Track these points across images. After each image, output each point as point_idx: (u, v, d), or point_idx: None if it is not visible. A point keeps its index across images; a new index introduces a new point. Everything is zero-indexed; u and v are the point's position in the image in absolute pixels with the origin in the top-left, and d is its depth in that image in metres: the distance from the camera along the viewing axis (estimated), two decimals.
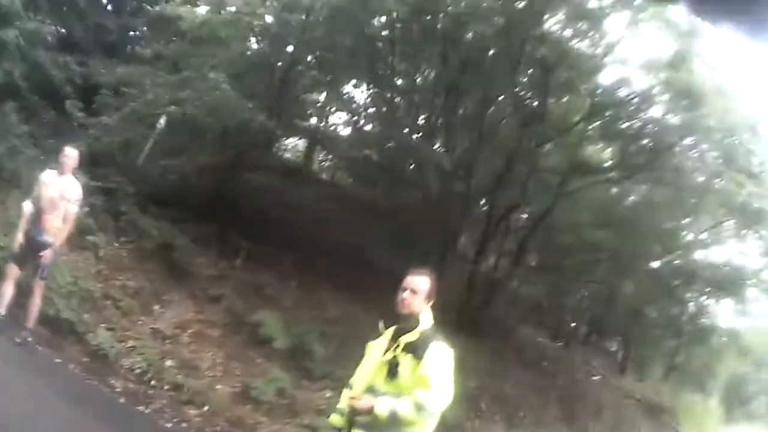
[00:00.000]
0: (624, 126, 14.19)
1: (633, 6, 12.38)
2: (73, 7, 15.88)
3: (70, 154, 7.27)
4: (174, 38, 13.37)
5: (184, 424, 7.12)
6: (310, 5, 12.14)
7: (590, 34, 13.10)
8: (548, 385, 13.01)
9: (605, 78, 13.81)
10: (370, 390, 4.07)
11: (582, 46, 13.28)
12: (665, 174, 13.75)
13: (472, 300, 12.22)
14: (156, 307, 9.63)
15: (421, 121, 14.29)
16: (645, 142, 14.03)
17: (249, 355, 9.25)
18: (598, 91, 13.63)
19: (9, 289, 7.15)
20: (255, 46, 14.41)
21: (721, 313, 18.36)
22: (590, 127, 13.45)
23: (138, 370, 7.97)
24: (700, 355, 19.90)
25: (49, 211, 7.08)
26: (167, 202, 11.67)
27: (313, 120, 16.49)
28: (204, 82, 11.56)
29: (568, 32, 13.11)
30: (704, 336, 18.71)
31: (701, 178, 13.78)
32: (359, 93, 16.28)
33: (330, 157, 18.05)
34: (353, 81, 15.39)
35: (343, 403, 4.22)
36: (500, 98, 13.03)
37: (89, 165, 10.71)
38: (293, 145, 18.30)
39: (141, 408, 7.22)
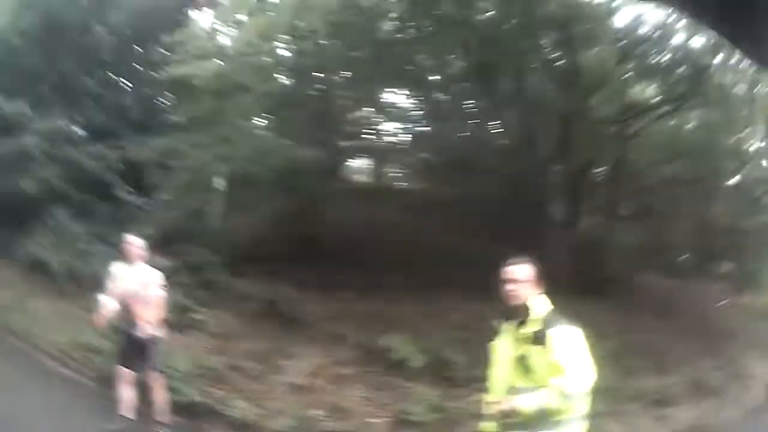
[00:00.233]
0: (655, 61, 14.12)
1: None
2: (86, 95, 16.14)
3: (135, 243, 7.27)
4: (197, 98, 13.13)
5: None
6: (316, 29, 11.87)
7: None
8: (681, 323, 12.41)
9: (622, 21, 13.74)
10: (511, 390, 4.08)
11: None
12: (710, 94, 13.59)
13: (581, 264, 11.46)
14: (284, 362, 9.58)
15: (468, 107, 13.43)
16: (681, 70, 13.89)
17: (390, 382, 9.11)
18: (620, 35, 13.53)
19: (127, 392, 7.20)
20: (284, 81, 14.07)
21: None
22: (626, 70, 13.21)
23: (287, 429, 7.95)
24: None
25: (135, 304, 7.07)
26: (255, 258, 11.57)
27: (368, 135, 15.71)
28: (241, 132, 11.77)
29: None
30: None
31: (743, 90, 13.54)
32: (401, 98, 15.74)
33: (396, 167, 17.29)
34: (390, 89, 14.99)
35: (490, 409, 4.20)
36: (533, 66, 12.14)
37: (164, 244, 10.91)
38: (359, 165, 17.65)
39: None
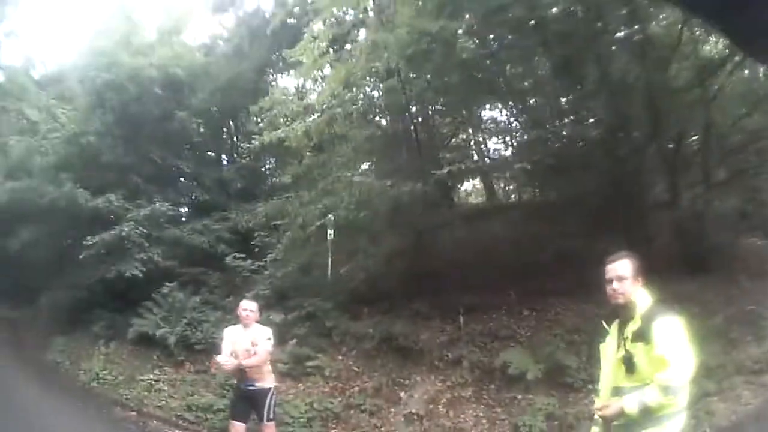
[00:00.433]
0: None
1: None
2: (183, 177, 16.77)
3: (249, 307, 7.31)
4: (294, 158, 14.08)
5: None
6: (396, 67, 11.79)
7: None
8: None
9: None
10: (616, 391, 4.08)
11: None
12: None
13: (684, 241, 11.01)
14: (402, 395, 9.58)
15: (560, 107, 13.29)
16: None
17: (508, 397, 8.91)
18: None
19: None
20: (379, 122, 14.56)
21: None
22: (693, 30, 12.06)
23: None
24: None
25: (246, 361, 7.05)
26: (369, 300, 11.74)
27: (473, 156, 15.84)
28: (341, 182, 11.89)
29: None
30: None
31: None
32: (497, 113, 15.63)
33: (503, 181, 17.30)
34: (485, 106, 14.70)
35: (596, 414, 4.19)
36: (611, 49, 11.96)
37: (280, 301, 11.73)
38: (469, 187, 17.79)
39: None
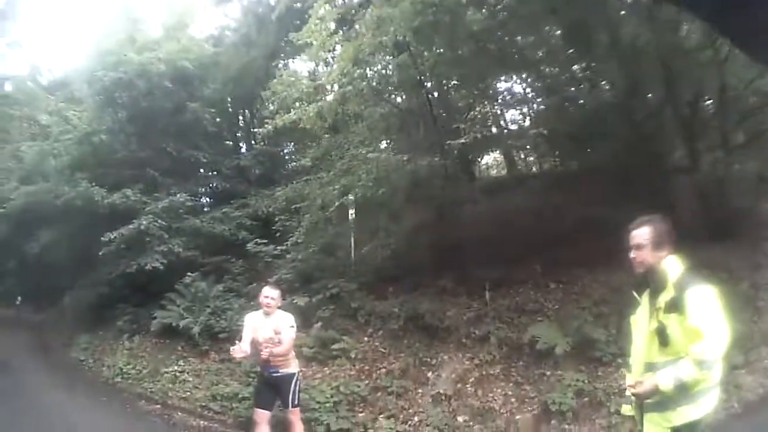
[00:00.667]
0: None
1: None
2: (201, 167, 16.57)
3: (271, 294, 7.06)
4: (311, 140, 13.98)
5: None
6: (404, 40, 11.51)
7: None
8: None
9: None
10: (649, 366, 3.82)
11: None
12: None
13: (707, 207, 10.71)
14: (429, 375, 9.31)
15: (574, 74, 12.98)
16: None
17: (537, 374, 8.61)
18: None
19: None
20: (388, 101, 13.96)
21: None
22: None
23: None
24: None
25: (269, 347, 6.83)
26: (393, 278, 11.50)
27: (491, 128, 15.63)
28: (359, 160, 11.61)
29: None
30: None
31: None
32: (512, 84, 15.26)
33: (522, 153, 17.11)
34: (501, 77, 14.17)
35: (629, 390, 3.93)
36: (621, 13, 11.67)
37: (303, 285, 11.53)
38: (489, 160, 17.65)
39: None
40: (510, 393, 8.36)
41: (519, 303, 10.08)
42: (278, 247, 13.10)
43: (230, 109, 19.58)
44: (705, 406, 3.65)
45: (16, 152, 21.46)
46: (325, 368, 9.76)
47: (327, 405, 8.40)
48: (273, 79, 14.61)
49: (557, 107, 12.91)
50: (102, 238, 14.47)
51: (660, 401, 3.70)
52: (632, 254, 3.88)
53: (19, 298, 30.71)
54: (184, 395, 11.01)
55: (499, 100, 15.24)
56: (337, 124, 13.06)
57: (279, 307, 7.04)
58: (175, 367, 12.10)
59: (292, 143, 17.81)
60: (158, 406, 11.10)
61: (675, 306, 3.64)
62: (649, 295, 3.89)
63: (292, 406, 6.93)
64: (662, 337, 3.70)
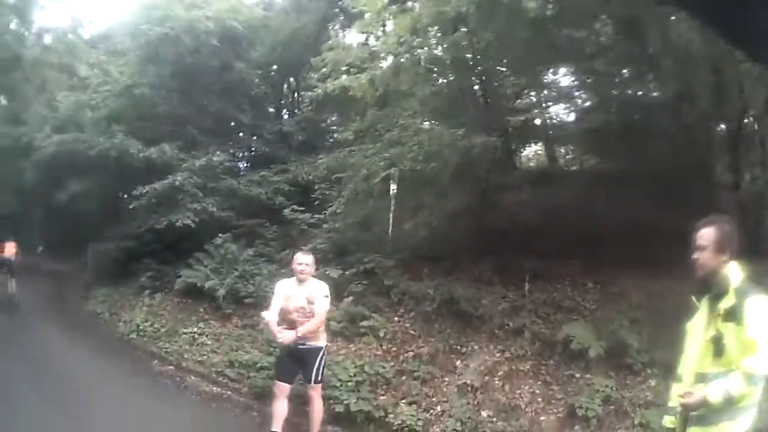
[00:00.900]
0: None
1: None
2: (242, 129, 16.28)
3: (305, 260, 6.78)
4: (358, 110, 13.54)
5: None
6: (465, 15, 11.08)
7: None
8: None
9: None
10: (700, 377, 3.59)
11: None
12: None
13: (747, 224, 10.26)
14: (458, 363, 8.87)
15: (624, 73, 12.61)
16: None
17: (566, 375, 8.17)
18: None
19: (282, 407, 6.67)
20: (440, 80, 13.62)
21: None
22: None
23: None
24: None
25: (301, 319, 6.57)
26: (431, 259, 11.08)
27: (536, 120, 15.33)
28: (409, 132, 11.30)
29: None
30: None
31: None
32: (561, 77, 14.81)
33: (570, 148, 16.75)
34: (550, 69, 13.95)
35: (674, 401, 3.72)
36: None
37: (338, 256, 11.18)
38: (530, 152, 17.30)
39: None
40: (537, 392, 7.95)
41: (556, 299, 9.61)
42: (316, 216, 12.74)
43: (276, 74, 19.24)
44: (743, 423, 3.43)
45: (51, 101, 21.59)
46: (351, 345, 9.37)
47: (349, 384, 7.98)
48: (322, 48, 14.29)
49: (604, 104, 12.66)
50: (134, 192, 14.37)
51: (704, 414, 3.47)
52: (694, 255, 3.66)
53: (41, 247, 30.62)
54: (200, 359, 10.68)
55: (547, 92, 14.89)
56: (386, 96, 12.53)
57: (313, 276, 6.72)
58: (195, 329, 11.78)
59: (335, 115, 17.35)
60: (171, 367, 10.81)
61: (734, 314, 3.41)
62: (708, 301, 3.63)
63: (315, 382, 6.63)
64: (717, 346, 3.47)
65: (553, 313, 9.30)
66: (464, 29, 11.39)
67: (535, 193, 13.44)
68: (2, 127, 26.48)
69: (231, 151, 16.48)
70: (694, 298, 3.77)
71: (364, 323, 9.69)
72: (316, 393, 6.72)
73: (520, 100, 14.80)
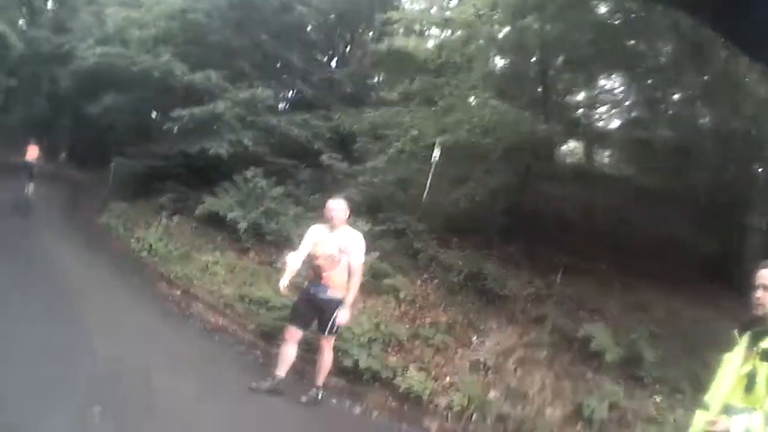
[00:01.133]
0: None
1: None
2: (291, 70, 16.08)
3: (337, 207, 6.49)
4: (413, 73, 13.15)
5: None
6: (544, 4, 11.08)
7: None
8: None
9: None
10: (726, 409, 3.51)
11: None
12: None
13: None
14: (474, 339, 8.66)
15: (678, 95, 12.66)
16: None
17: (579, 372, 7.97)
18: None
19: (290, 352, 6.53)
20: (500, 62, 13.79)
21: None
22: None
23: (457, 408, 6.97)
24: None
25: (329, 267, 6.34)
26: (463, 231, 10.97)
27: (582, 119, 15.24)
28: (468, 105, 11.28)
29: None
30: None
31: None
32: (614, 84, 14.78)
33: (609, 152, 16.66)
34: (607, 73, 13.87)
35: (697, 427, 3.60)
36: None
37: (370, 211, 10.86)
38: (571, 148, 17.16)
39: None
40: (548, 383, 7.64)
41: (581, 296, 9.44)
42: (354, 167, 12.48)
43: (333, 24, 18.78)
44: None
45: (100, 14, 21.46)
46: (370, 301, 9.04)
47: (361, 339, 7.73)
48: (386, 6, 14.07)
49: (653, 119, 12.58)
50: (171, 113, 14.17)
51: None
52: (758, 294, 3.51)
53: (64, 154, 30.94)
54: (210, 288, 10.36)
55: (596, 94, 14.81)
56: (446, 65, 12.32)
57: (344, 224, 6.45)
58: (210, 257, 11.48)
59: (383, 74, 17.13)
60: (179, 292, 10.54)
61: None
62: (749, 337, 3.54)
63: (329, 333, 6.40)
64: (749, 382, 3.40)
65: (576, 309, 9.12)
66: (535, 16, 11.18)
67: (573, 188, 13.29)
68: (45, 32, 26.52)
69: (277, 89, 16.18)
70: (736, 332, 3.66)
71: (387, 281, 9.45)
72: (328, 344, 6.55)
73: (570, 96, 14.66)
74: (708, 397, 3.70)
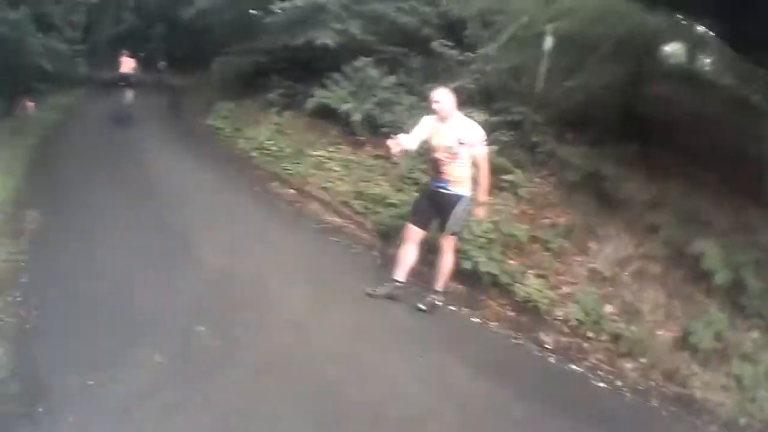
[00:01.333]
0: None
1: None
2: None
3: (441, 97, 6.20)
4: None
5: (618, 382, 5.90)
6: None
7: None
8: None
9: None
10: None
11: None
12: None
13: None
14: (592, 245, 8.29)
15: None
16: None
17: (689, 293, 7.51)
18: None
19: (410, 254, 6.43)
20: None
21: None
22: None
23: (573, 321, 6.78)
24: None
25: (448, 160, 6.18)
26: (579, 126, 10.36)
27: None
28: None
29: None
30: None
31: None
32: None
33: (712, 59, 15.66)
34: None
35: None
36: None
37: (484, 100, 10.52)
38: (673, 50, 16.32)
39: (573, 366, 6.07)
40: (661, 302, 7.38)
41: (694, 206, 8.85)
42: (465, 53, 11.98)
43: None
44: None
45: None
46: (489, 198, 8.34)
47: (481, 240, 7.54)
48: None
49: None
50: (270, 6, 14.15)
51: None
52: None
53: (163, 63, 31.34)
54: (324, 185, 10.44)
55: None
56: None
57: (457, 115, 6.28)
58: (323, 153, 11.52)
59: None
60: (293, 191, 10.69)
61: None
62: None
63: (450, 233, 6.30)
64: None
65: (688, 221, 8.56)
66: None
67: (680, 91, 12.57)
68: None
69: None
70: None
71: (506, 177, 9.15)
72: (448, 245, 6.40)
73: None
74: None
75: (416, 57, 13.35)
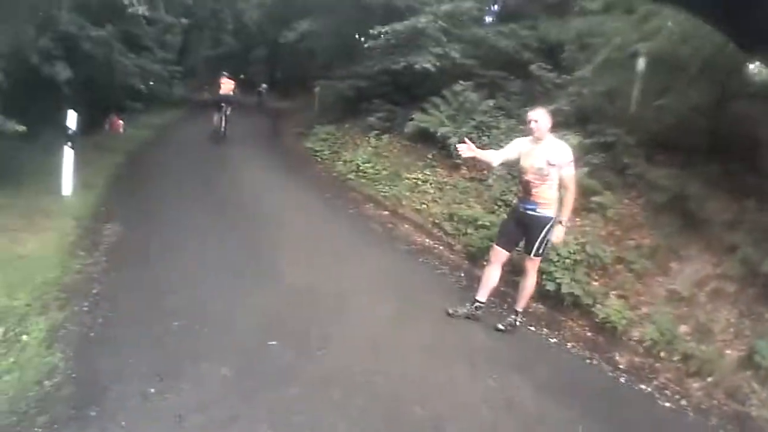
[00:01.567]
0: None
1: None
2: None
3: (536, 117, 6.48)
4: None
5: (683, 401, 6.04)
6: None
7: None
8: None
9: None
10: None
11: None
12: None
13: None
14: (673, 265, 8.51)
15: None
16: None
17: (759, 312, 7.61)
18: None
19: (494, 275, 6.68)
20: None
21: None
22: None
23: (648, 342, 7.01)
24: None
25: (538, 182, 6.44)
26: (668, 147, 10.55)
27: None
28: (665, 12, 10.91)
29: None
30: None
31: None
32: None
33: None
34: None
35: None
36: None
37: (579, 122, 10.90)
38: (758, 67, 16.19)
39: (642, 386, 6.22)
40: (732, 321, 7.56)
41: None
42: (563, 76, 12.39)
43: None
44: None
45: None
46: (577, 219, 9.08)
47: (566, 261, 7.86)
48: None
49: None
50: (371, 31, 14.66)
51: None
52: None
53: (264, 85, 31.98)
54: (418, 207, 10.92)
55: None
56: None
57: (550, 136, 6.52)
58: (419, 175, 11.98)
59: None
60: (386, 212, 11.14)
61: None
62: None
63: (535, 254, 6.49)
64: None
65: (764, 239, 8.49)
66: None
67: (765, 109, 12.37)
68: None
69: (478, 1, 15.87)
70: None
71: (595, 198, 9.48)
72: (532, 266, 6.61)
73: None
74: None
75: (515, 80, 13.68)
